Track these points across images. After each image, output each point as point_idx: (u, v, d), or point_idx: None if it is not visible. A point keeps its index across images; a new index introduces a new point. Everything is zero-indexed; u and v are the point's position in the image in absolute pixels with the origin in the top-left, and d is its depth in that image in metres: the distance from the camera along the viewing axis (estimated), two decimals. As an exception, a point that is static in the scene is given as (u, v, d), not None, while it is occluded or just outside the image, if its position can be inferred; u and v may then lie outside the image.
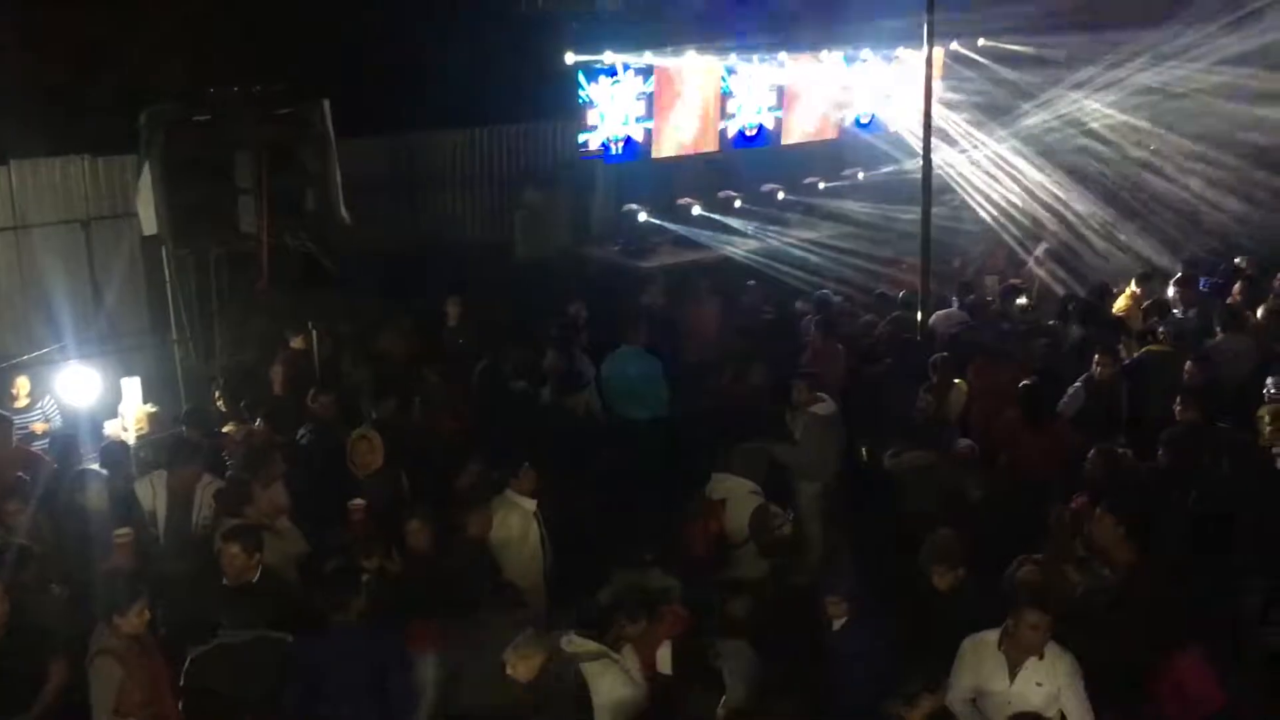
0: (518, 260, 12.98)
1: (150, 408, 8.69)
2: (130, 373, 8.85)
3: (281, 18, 11.37)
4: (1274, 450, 7.51)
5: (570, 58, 12.78)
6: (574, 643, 5.53)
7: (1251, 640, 5.99)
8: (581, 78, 13.00)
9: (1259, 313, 9.87)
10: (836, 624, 5.79)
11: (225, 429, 8.30)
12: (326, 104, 8.76)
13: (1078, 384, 8.67)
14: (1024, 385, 8.41)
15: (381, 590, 5.92)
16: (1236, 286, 10.85)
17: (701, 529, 7.07)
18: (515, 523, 6.76)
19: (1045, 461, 7.77)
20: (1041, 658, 5.27)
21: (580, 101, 13.08)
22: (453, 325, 10.34)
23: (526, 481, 6.88)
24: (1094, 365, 8.64)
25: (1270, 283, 11.19)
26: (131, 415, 8.48)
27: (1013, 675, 5.32)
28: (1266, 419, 7.79)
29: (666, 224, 13.97)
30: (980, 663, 5.41)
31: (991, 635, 5.40)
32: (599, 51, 13.04)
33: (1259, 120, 15.27)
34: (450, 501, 6.94)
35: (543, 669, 5.22)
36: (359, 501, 6.85)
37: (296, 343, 9.39)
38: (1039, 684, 5.27)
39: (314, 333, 9.21)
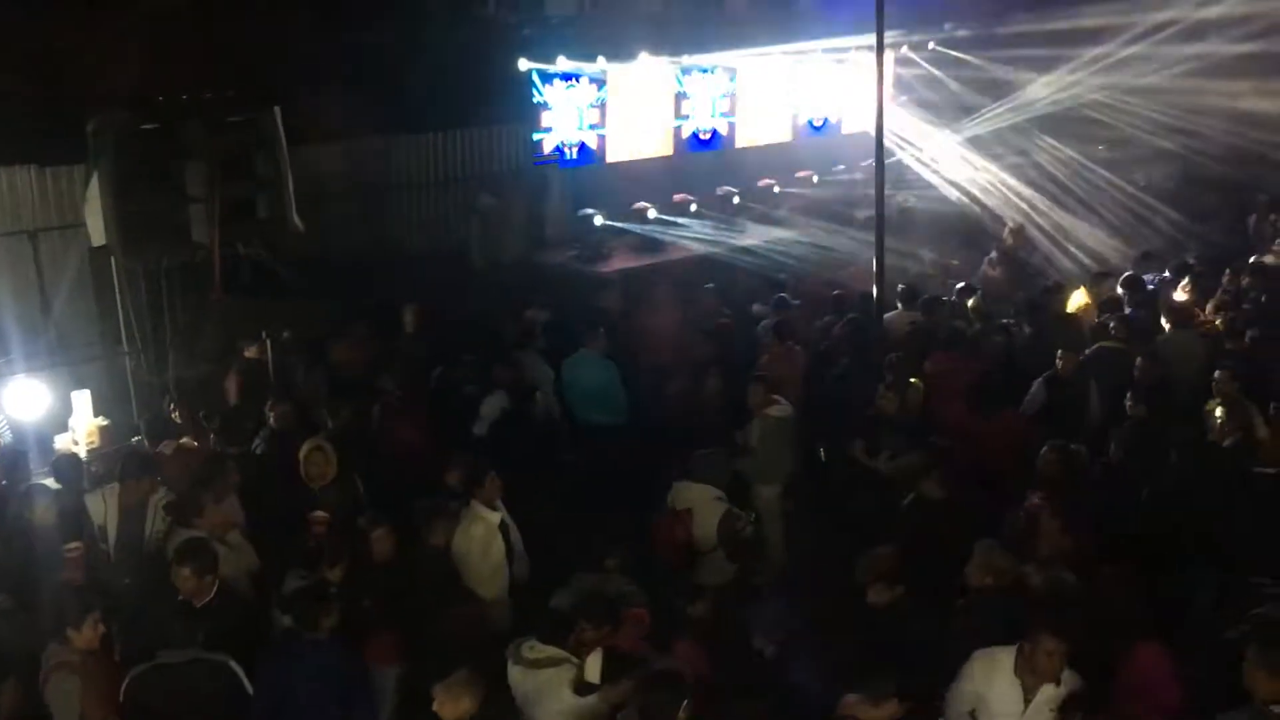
0: (474, 266, 12.92)
1: (101, 421, 8.56)
2: (80, 386, 8.71)
3: (233, 24, 11.24)
4: (1225, 443, 7.66)
5: (524, 64, 12.77)
6: (535, 649, 5.51)
7: (1206, 634, 6.05)
8: (536, 83, 12.99)
9: (1208, 309, 10.03)
10: (768, 653, 5.77)
11: (181, 441, 8.19)
12: (278, 110, 8.67)
13: (1039, 381, 8.76)
14: (977, 377, 8.52)
15: (345, 603, 5.86)
16: (1185, 283, 11.03)
17: (669, 539, 7.05)
18: (479, 534, 6.70)
19: (999, 454, 7.84)
20: (1058, 685, 5.15)
21: (535, 107, 13.06)
22: (410, 332, 10.27)
23: (491, 491, 6.81)
24: (1057, 362, 8.74)
25: (1219, 279, 11.39)
26: (82, 429, 8.36)
27: (1027, 701, 5.19)
28: (1217, 413, 7.95)
29: (623, 228, 13.98)
30: (990, 681, 5.27)
31: (1005, 655, 5.24)
32: (553, 57, 13.04)
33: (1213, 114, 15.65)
34: (413, 510, 6.88)
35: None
36: (321, 514, 6.78)
37: (251, 352, 9.30)
38: (1052, 710, 5.16)
39: (268, 342, 9.12)
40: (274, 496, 7.32)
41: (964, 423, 8.29)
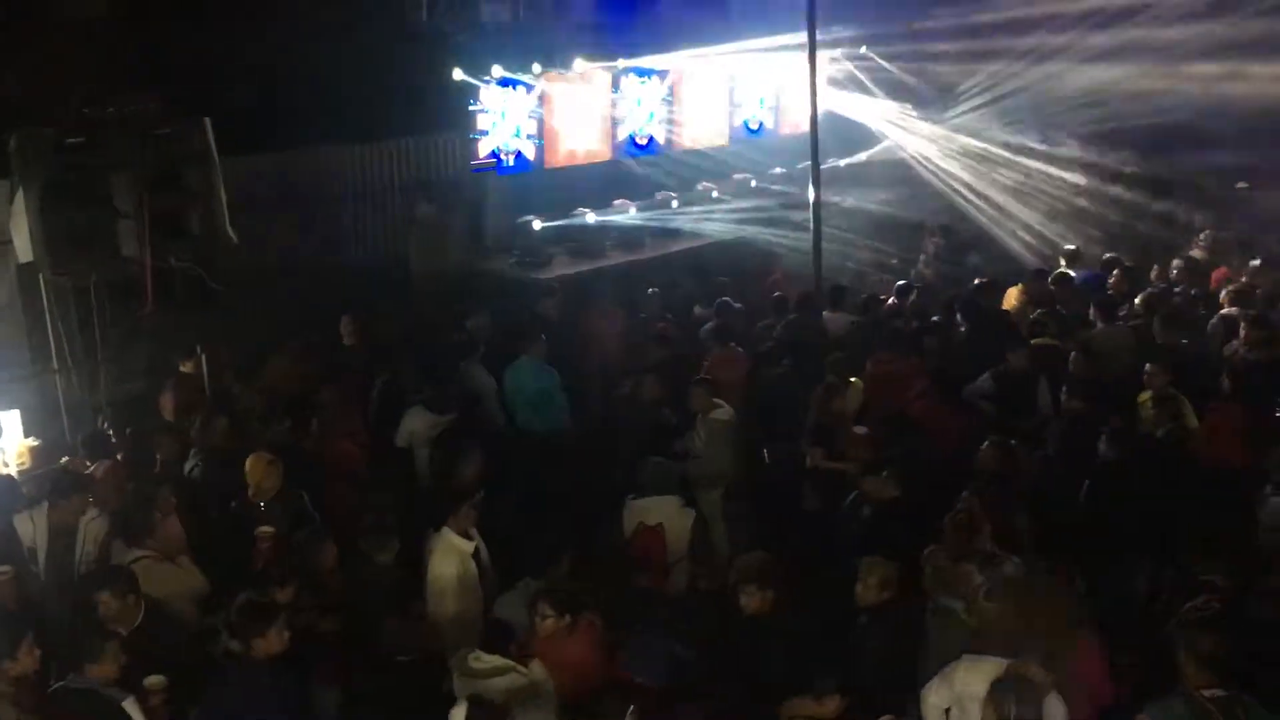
0: (413, 276, 12.83)
1: (32, 441, 8.39)
2: (10, 406, 8.52)
3: (161, 35, 11.07)
4: (1157, 434, 7.83)
5: (459, 72, 12.71)
6: (480, 659, 5.48)
7: (1142, 624, 6.14)
8: (472, 90, 12.94)
9: (1137, 302, 10.23)
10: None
11: (114, 459, 8.03)
12: (208, 122, 8.56)
13: (986, 376, 8.88)
14: (931, 374, 8.66)
15: (294, 621, 5.76)
16: (1114, 278, 11.26)
17: (646, 556, 6.98)
18: (453, 563, 6.55)
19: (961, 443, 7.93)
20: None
21: (471, 115, 13.01)
22: (349, 344, 10.17)
23: (464, 520, 6.68)
24: (1006, 358, 8.86)
25: (1148, 273, 11.65)
26: (12, 450, 8.19)
27: None
28: (1149, 404, 8.12)
29: (562, 234, 13.97)
30: (973, 690, 5.17)
31: (991, 666, 5.13)
32: (488, 64, 12.99)
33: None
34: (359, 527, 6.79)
35: None
36: (266, 529, 6.67)
37: (186, 367, 9.15)
38: None
39: (203, 356, 8.98)
40: (213, 515, 7.20)
41: (927, 420, 8.37)
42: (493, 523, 7.11)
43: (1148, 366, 8.46)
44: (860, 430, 8.15)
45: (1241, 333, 9.08)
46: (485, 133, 13.17)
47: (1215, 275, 11.54)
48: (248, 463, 7.16)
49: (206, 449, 7.87)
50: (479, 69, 12.87)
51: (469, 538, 6.69)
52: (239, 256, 9.04)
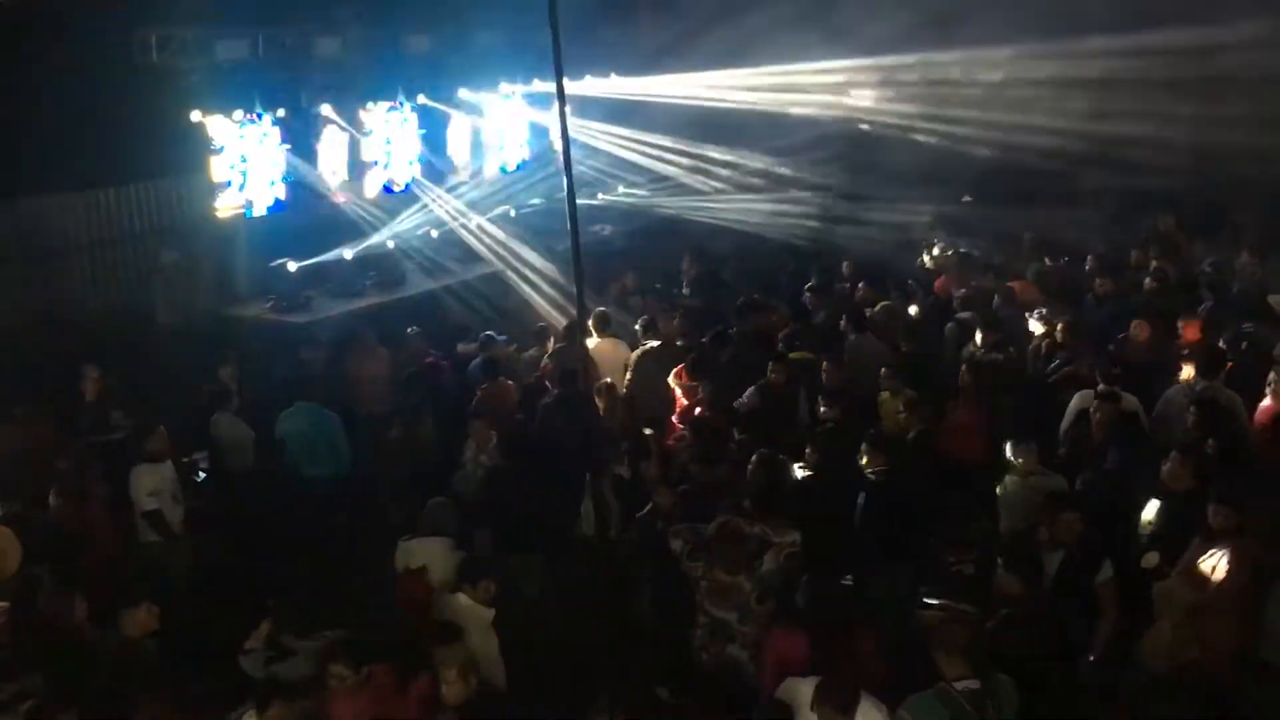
0: (160, 326, 12.16)
1: None
2: None
3: None
4: (909, 436, 8.28)
5: (196, 111, 12.18)
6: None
7: (904, 624, 6.30)
8: (213, 130, 12.41)
9: (878, 309, 10.82)
10: None
11: None
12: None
13: (752, 391, 9.15)
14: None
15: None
16: (861, 290, 11.88)
17: (409, 602, 6.80)
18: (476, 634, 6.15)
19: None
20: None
21: (214, 156, 12.48)
22: (91, 400, 9.53)
23: (483, 591, 6.35)
24: (769, 371, 9.18)
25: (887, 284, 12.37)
26: None
27: None
28: (890, 403, 8.61)
29: (320, 275, 13.58)
30: (798, 708, 5.29)
31: (806, 687, 5.23)
32: (229, 105, 12.51)
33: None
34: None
35: None
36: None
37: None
38: None
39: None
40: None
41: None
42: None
43: (883, 371, 8.98)
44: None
45: (978, 337, 9.75)
46: (232, 177, 12.66)
47: (937, 284, 12.34)
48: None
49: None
50: (218, 109, 12.38)
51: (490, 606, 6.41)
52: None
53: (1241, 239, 12.62)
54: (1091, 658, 6.23)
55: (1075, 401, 8.46)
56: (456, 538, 7.22)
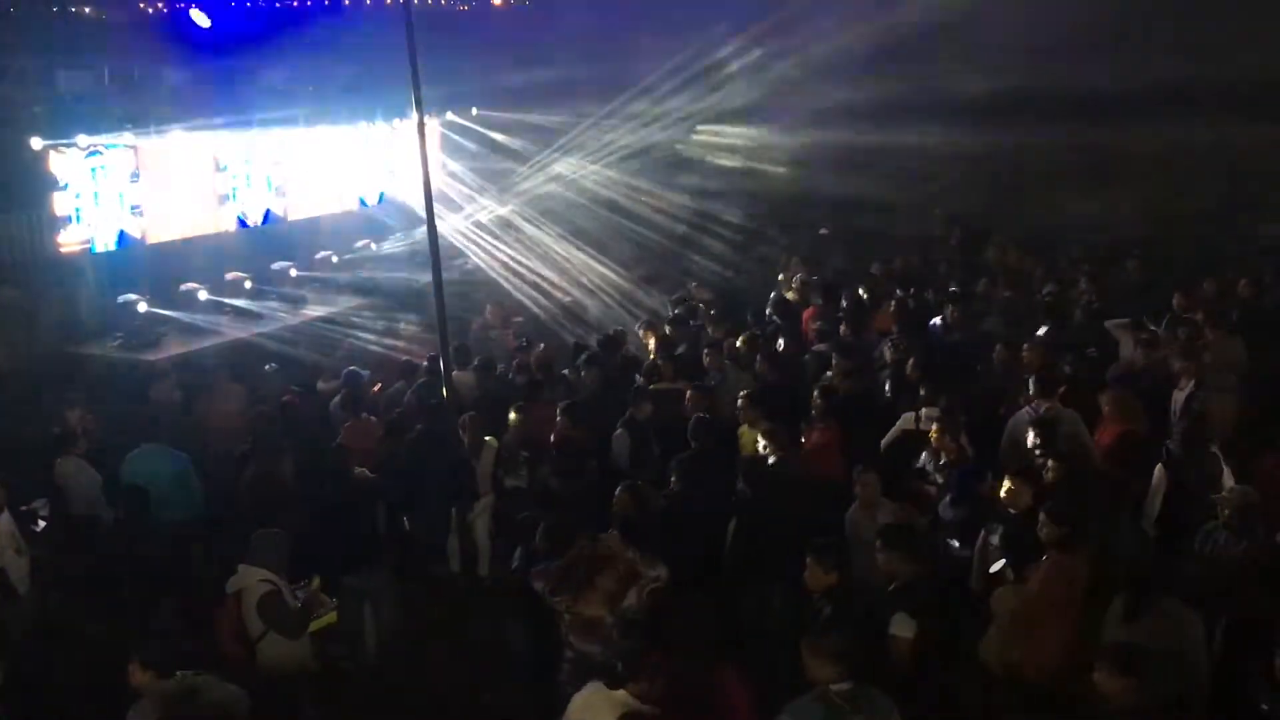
0: (-3, 367, 11.57)
1: None
2: None
3: None
4: (770, 462, 8.43)
5: (37, 143, 11.69)
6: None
7: (781, 640, 6.31)
8: (55, 163, 11.93)
9: (739, 341, 11.01)
10: None
11: None
12: None
13: (620, 432, 9.16)
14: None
15: None
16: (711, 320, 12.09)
17: (224, 626, 6.73)
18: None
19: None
20: None
21: (55, 189, 11.99)
22: (-79, 449, 8.99)
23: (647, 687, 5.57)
24: (631, 408, 9.22)
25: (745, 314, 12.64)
26: None
27: None
28: (747, 434, 8.77)
29: (171, 312, 13.15)
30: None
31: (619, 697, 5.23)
32: (71, 134, 12.05)
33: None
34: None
35: None
36: None
37: None
38: None
39: None
40: None
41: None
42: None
43: (739, 400, 9.13)
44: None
45: (834, 365, 10.00)
46: (73, 213, 12.18)
47: (806, 315, 12.61)
48: None
49: None
50: (60, 140, 11.91)
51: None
52: None
53: (1079, 268, 13.30)
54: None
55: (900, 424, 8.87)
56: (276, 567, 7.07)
